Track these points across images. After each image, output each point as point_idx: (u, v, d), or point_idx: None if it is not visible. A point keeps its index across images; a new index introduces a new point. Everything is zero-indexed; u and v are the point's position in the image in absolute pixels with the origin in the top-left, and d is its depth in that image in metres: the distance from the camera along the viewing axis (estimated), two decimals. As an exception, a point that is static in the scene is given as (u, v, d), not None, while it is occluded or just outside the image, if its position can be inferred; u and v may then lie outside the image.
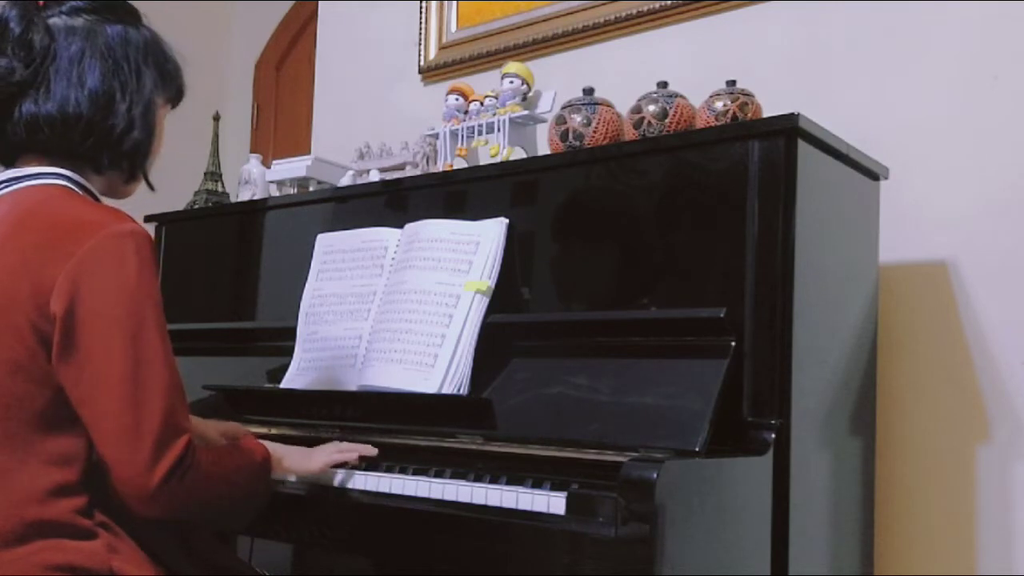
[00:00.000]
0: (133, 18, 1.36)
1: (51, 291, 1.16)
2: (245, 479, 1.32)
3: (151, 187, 1.40)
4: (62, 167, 1.29)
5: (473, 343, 1.63)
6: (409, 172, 2.04)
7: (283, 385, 1.83)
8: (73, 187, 1.28)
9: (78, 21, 1.30)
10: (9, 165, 1.32)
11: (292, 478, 1.52)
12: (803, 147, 1.48)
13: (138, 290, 1.19)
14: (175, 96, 1.41)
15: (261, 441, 1.42)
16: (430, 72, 2.70)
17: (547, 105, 1.89)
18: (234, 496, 1.30)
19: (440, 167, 1.96)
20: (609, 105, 1.75)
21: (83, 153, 1.29)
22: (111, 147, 1.30)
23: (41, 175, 1.28)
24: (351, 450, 1.53)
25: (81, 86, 1.27)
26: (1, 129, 1.29)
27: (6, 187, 1.28)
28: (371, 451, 1.54)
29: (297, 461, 1.48)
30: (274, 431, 1.77)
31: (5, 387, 1.18)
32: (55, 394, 1.19)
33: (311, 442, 1.61)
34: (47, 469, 1.18)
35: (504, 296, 1.67)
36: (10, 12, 1.27)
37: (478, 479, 1.41)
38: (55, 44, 1.27)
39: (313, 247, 1.96)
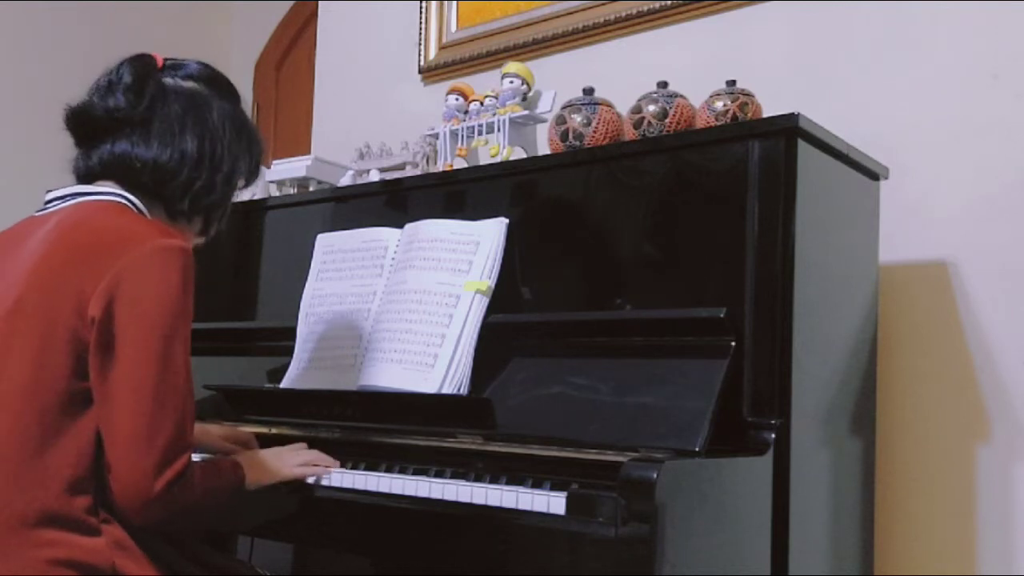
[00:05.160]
0: (234, 96, 1.48)
1: (92, 293, 1.21)
2: (223, 496, 1.35)
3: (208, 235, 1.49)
4: (126, 191, 1.35)
5: (473, 343, 1.63)
6: (409, 172, 2.04)
7: (283, 385, 1.83)
8: (129, 205, 1.34)
9: (187, 85, 1.42)
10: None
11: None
12: (803, 147, 1.48)
13: (178, 305, 1.24)
14: (251, 174, 1.51)
15: (234, 459, 1.44)
16: (430, 72, 2.70)
17: (547, 105, 1.88)
18: (210, 510, 1.33)
19: (440, 167, 1.96)
20: (609, 105, 1.74)
21: (164, 195, 1.37)
22: (192, 200, 1.39)
23: (104, 193, 1.34)
24: (322, 462, 1.54)
25: (178, 143, 1.37)
26: (88, 154, 1.37)
27: (69, 200, 1.35)
28: (335, 463, 1.54)
29: (270, 474, 1.47)
30: (274, 431, 1.77)
31: (37, 379, 1.21)
32: (78, 392, 1.22)
33: (311, 442, 1.61)
34: (63, 462, 1.21)
35: (504, 296, 1.67)
36: (126, 67, 1.39)
37: (478, 479, 1.41)
38: (164, 99, 1.38)
39: (313, 247, 1.96)
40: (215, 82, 1.45)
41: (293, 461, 1.52)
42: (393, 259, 1.82)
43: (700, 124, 1.65)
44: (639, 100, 1.70)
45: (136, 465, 1.19)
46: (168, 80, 1.40)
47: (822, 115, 1.55)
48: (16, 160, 3.23)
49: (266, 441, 1.69)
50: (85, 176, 1.38)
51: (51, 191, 1.38)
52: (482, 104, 1.94)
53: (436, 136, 1.99)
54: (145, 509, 1.20)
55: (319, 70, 3.04)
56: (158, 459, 1.20)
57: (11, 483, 1.19)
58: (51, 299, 1.22)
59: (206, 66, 1.46)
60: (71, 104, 1.38)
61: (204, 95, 1.42)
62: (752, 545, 1.39)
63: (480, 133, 1.92)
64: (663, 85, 1.71)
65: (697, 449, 1.32)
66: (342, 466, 1.54)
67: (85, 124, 1.37)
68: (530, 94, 1.91)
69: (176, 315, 1.23)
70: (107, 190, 1.34)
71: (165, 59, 1.43)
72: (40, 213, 1.37)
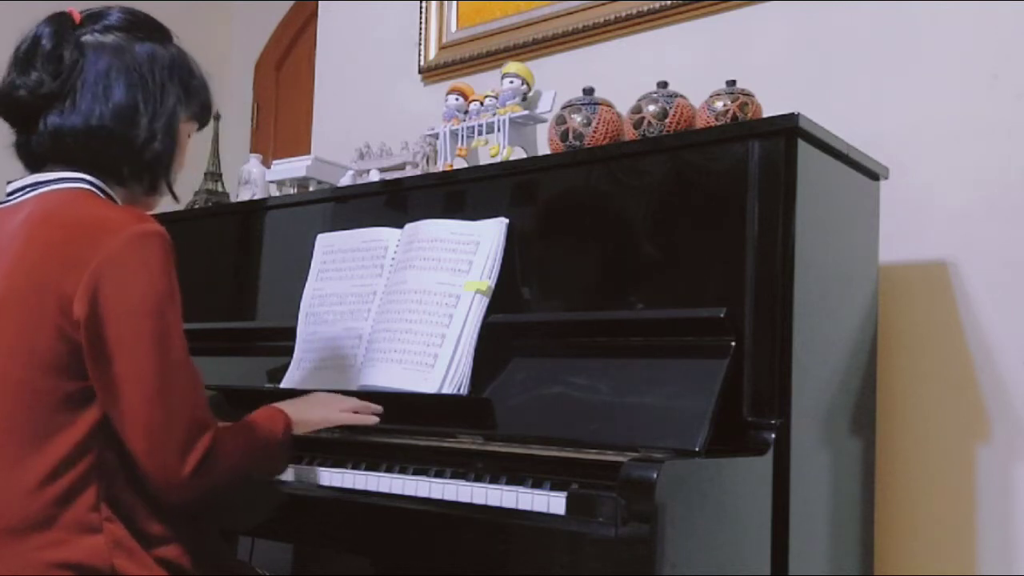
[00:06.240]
0: (163, 36, 1.40)
1: (74, 292, 1.19)
2: (267, 455, 1.37)
3: (176, 198, 1.45)
4: (86, 174, 1.31)
5: (473, 343, 1.63)
6: (409, 172, 2.04)
7: (283, 385, 1.83)
8: (95, 191, 1.31)
9: (109, 38, 1.34)
10: (35, 172, 1.35)
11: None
12: (803, 147, 1.48)
13: (162, 289, 1.23)
14: (200, 112, 1.44)
15: (279, 406, 1.44)
16: (430, 72, 2.70)
17: (547, 105, 1.88)
18: (254, 470, 1.35)
19: (440, 167, 1.96)
20: (609, 105, 1.74)
21: (105, 163, 1.33)
22: (132, 158, 1.34)
23: (65, 179, 1.31)
24: (365, 410, 1.57)
25: (106, 100, 1.30)
26: (27, 140, 1.33)
27: (31, 191, 1.31)
28: (378, 408, 1.57)
29: (321, 417, 1.52)
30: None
31: (25, 379, 1.20)
32: (73, 389, 1.21)
33: (311, 442, 1.61)
34: (59, 463, 1.20)
35: (504, 296, 1.67)
36: (44, 29, 1.32)
37: (478, 479, 1.41)
38: (84, 60, 1.31)
39: (313, 247, 1.96)
40: (138, 27, 1.37)
41: (339, 406, 1.54)
42: (393, 259, 1.82)
43: (700, 124, 1.65)
44: (639, 100, 1.70)
45: (161, 455, 1.20)
46: (87, 37, 1.32)
47: (822, 115, 1.55)
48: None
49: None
50: (31, 161, 1.34)
51: (11, 182, 1.34)
52: (482, 104, 1.94)
53: (436, 136, 1.99)
54: (181, 493, 1.22)
55: (319, 70, 3.04)
56: (180, 445, 1.20)
57: (8, 485, 1.19)
58: (34, 302, 1.21)
59: (127, 11, 1.37)
60: None
61: (126, 44, 1.33)
62: (752, 545, 1.39)
63: (480, 133, 1.92)
64: (663, 85, 1.71)
65: (697, 449, 1.32)
66: (342, 466, 1.53)
67: (12, 106, 1.31)
68: (530, 94, 1.91)
69: (163, 300, 1.22)
70: (67, 175, 1.30)
71: (83, 12, 1.35)
72: (3, 206, 1.34)
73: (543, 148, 1.87)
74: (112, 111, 1.30)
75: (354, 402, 1.57)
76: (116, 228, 1.22)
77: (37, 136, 1.31)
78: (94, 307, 1.19)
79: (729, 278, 1.47)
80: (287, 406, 1.45)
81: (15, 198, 1.33)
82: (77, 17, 1.35)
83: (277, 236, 2.16)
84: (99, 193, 1.31)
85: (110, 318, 1.19)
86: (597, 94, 1.77)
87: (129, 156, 1.33)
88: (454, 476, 1.44)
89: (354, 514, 1.49)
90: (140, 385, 1.19)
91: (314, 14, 3.21)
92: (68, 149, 1.30)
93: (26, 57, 1.31)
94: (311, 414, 1.50)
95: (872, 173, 1.76)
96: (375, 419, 1.53)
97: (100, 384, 1.21)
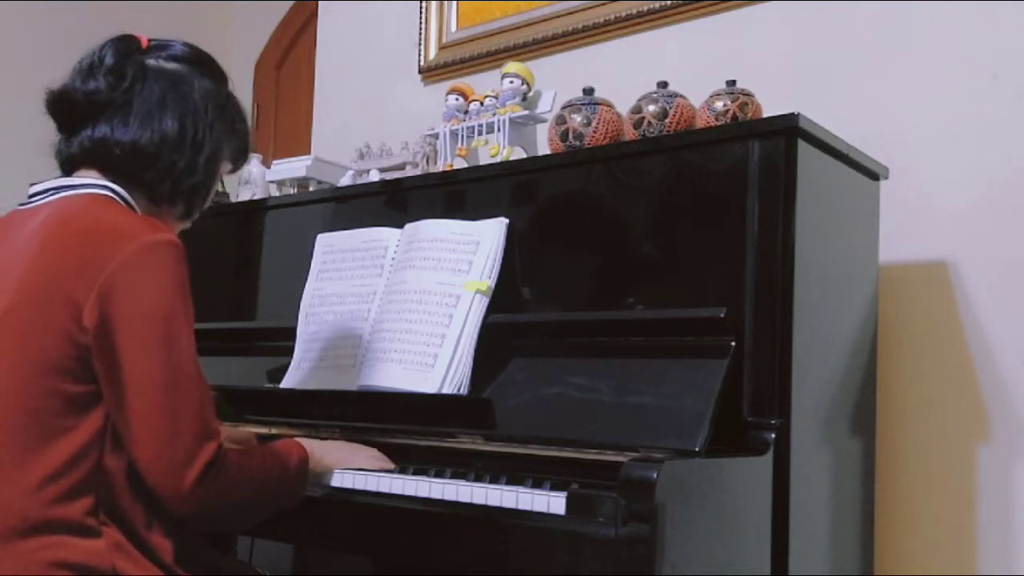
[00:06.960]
0: (220, 77, 1.45)
1: (86, 298, 1.20)
2: (278, 480, 1.36)
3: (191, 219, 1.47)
4: (115, 183, 1.33)
5: (473, 343, 1.63)
6: (409, 172, 2.04)
7: (283, 385, 1.83)
8: (116, 198, 1.32)
9: (171, 66, 1.39)
10: (67, 175, 1.36)
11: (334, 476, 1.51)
12: (803, 147, 1.48)
13: (173, 298, 1.23)
14: (237, 156, 1.48)
15: (298, 440, 1.44)
16: (430, 72, 2.70)
17: (547, 105, 1.88)
18: (266, 496, 1.34)
19: (440, 167, 1.96)
20: (609, 105, 1.74)
21: (144, 181, 1.35)
22: (172, 183, 1.36)
23: (88, 185, 1.32)
24: (386, 462, 1.55)
25: (158, 123, 1.34)
26: (69, 140, 1.35)
27: (53, 194, 1.33)
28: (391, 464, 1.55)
29: (339, 458, 1.51)
30: (274, 431, 1.77)
31: (31, 379, 1.21)
32: (77, 392, 1.21)
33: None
34: (60, 466, 1.20)
35: (504, 296, 1.67)
36: (109, 48, 1.36)
37: (478, 479, 1.41)
38: (144, 80, 1.35)
39: (313, 247, 1.96)
40: (200, 62, 1.42)
41: (364, 454, 1.53)
42: (393, 259, 1.82)
43: (700, 124, 1.65)
44: (639, 100, 1.70)
45: (164, 462, 1.20)
46: (151, 61, 1.37)
47: (822, 115, 1.55)
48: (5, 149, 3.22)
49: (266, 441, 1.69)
50: (66, 163, 1.36)
51: (34, 184, 1.36)
52: (482, 104, 1.94)
53: (436, 136, 1.99)
54: (184, 502, 1.21)
55: (319, 70, 3.04)
56: (183, 453, 1.20)
57: (9, 487, 1.19)
58: (45, 305, 1.21)
59: (191, 47, 1.43)
60: (52, 88, 1.36)
61: (186, 75, 1.38)
62: (752, 545, 1.39)
63: (480, 133, 1.92)
64: (663, 85, 1.71)
65: (697, 449, 1.32)
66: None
67: (65, 109, 1.35)
68: (530, 94, 1.91)
69: (173, 310, 1.23)
70: (90, 181, 1.32)
71: (151, 40, 1.40)
72: (24, 207, 1.35)
73: (543, 148, 1.87)
74: (160, 135, 1.33)
75: (375, 452, 1.56)
76: (130, 235, 1.23)
77: (80, 140, 1.33)
78: (104, 314, 1.19)
79: (729, 278, 1.47)
80: (306, 442, 1.45)
81: (36, 200, 1.34)
82: (144, 42, 1.39)
83: (277, 236, 2.16)
84: (119, 200, 1.32)
85: (120, 325, 1.20)
86: (597, 94, 1.77)
87: (168, 180, 1.36)
88: (454, 476, 1.44)
89: (354, 514, 1.49)
90: (146, 393, 1.20)
91: (314, 14, 3.21)
92: (108, 158, 1.32)
93: (89, 68, 1.35)
94: (331, 455, 1.49)
95: (872, 173, 1.76)
96: (392, 466, 1.52)
97: (109, 391, 1.21)
